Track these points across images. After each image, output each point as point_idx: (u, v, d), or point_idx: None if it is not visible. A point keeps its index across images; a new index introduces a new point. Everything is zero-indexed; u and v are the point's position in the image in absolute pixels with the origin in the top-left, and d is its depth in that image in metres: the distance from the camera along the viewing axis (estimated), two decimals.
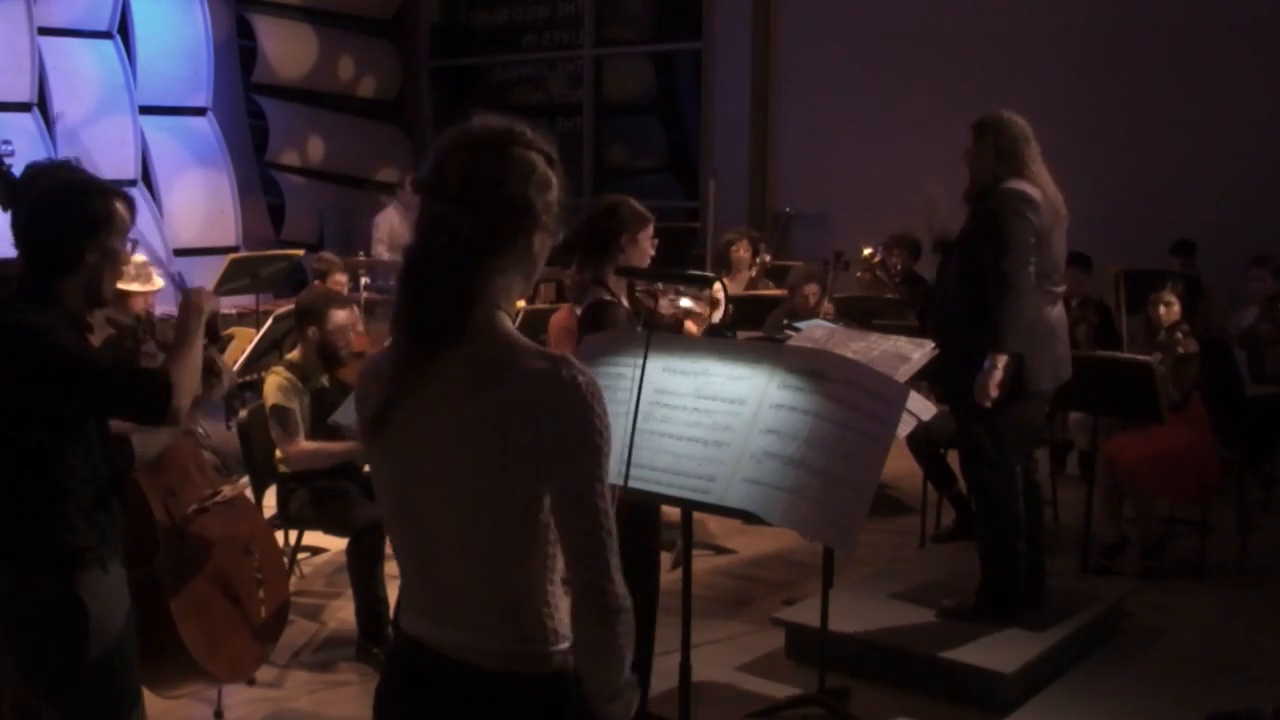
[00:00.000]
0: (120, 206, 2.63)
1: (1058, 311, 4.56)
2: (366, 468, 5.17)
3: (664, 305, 3.93)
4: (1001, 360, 4.30)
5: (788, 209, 8.74)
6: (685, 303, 3.91)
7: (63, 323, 2.53)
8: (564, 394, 1.69)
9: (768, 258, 7.92)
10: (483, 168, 1.76)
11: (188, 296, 2.76)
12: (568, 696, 1.79)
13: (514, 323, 1.84)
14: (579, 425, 1.69)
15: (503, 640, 1.77)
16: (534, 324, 6.38)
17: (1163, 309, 5.85)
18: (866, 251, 7.42)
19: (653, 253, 3.70)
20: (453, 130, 1.80)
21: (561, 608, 1.82)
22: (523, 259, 1.81)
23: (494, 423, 1.70)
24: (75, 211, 2.58)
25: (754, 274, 7.76)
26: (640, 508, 3.40)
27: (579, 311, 5.62)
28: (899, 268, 7.92)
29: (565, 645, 1.80)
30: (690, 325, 6.84)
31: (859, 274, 7.53)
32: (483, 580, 1.77)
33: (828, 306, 6.97)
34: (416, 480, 1.78)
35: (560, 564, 1.79)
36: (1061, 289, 4.60)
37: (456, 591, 1.80)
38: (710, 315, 4.07)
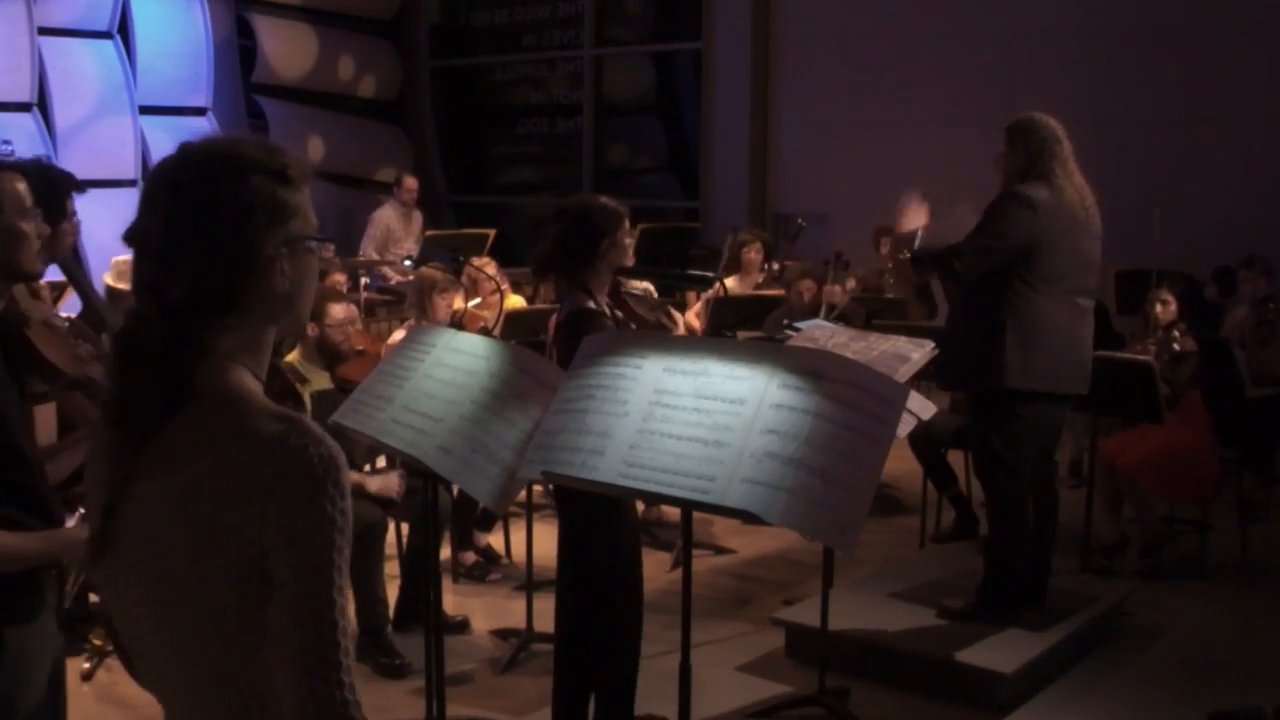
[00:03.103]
0: (9, 183, 2.52)
1: (1080, 319, 4.50)
2: (368, 466, 5.17)
3: (644, 311, 3.90)
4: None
5: (800, 220, 8.75)
6: (663, 319, 3.87)
7: None
8: (288, 469, 1.36)
9: (776, 265, 7.94)
10: (185, 216, 1.44)
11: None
12: None
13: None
14: (302, 511, 1.35)
15: None
16: (534, 324, 6.37)
17: (1159, 307, 5.85)
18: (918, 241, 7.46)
19: (631, 241, 3.60)
20: (158, 165, 1.50)
21: None
22: (265, 304, 1.48)
23: (203, 495, 1.37)
24: None
25: (762, 279, 7.78)
26: (611, 508, 3.39)
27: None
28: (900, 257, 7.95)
29: None
30: (691, 318, 6.88)
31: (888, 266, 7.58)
32: (203, 691, 1.44)
33: (832, 289, 6.98)
34: (137, 572, 1.44)
35: None
36: (1087, 297, 4.54)
37: (183, 700, 1.49)
38: (675, 329, 3.97)
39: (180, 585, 1.40)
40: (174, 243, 1.44)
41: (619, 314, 3.73)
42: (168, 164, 1.48)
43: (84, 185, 3.40)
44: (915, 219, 4.93)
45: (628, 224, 3.57)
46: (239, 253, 1.45)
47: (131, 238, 1.48)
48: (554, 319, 5.94)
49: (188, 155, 1.48)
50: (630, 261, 3.64)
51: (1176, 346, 5.61)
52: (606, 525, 3.44)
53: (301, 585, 1.35)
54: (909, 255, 4.60)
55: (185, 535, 1.39)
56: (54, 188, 3.26)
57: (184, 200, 1.45)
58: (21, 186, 2.54)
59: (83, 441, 2.82)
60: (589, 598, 3.52)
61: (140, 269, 1.47)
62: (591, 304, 3.48)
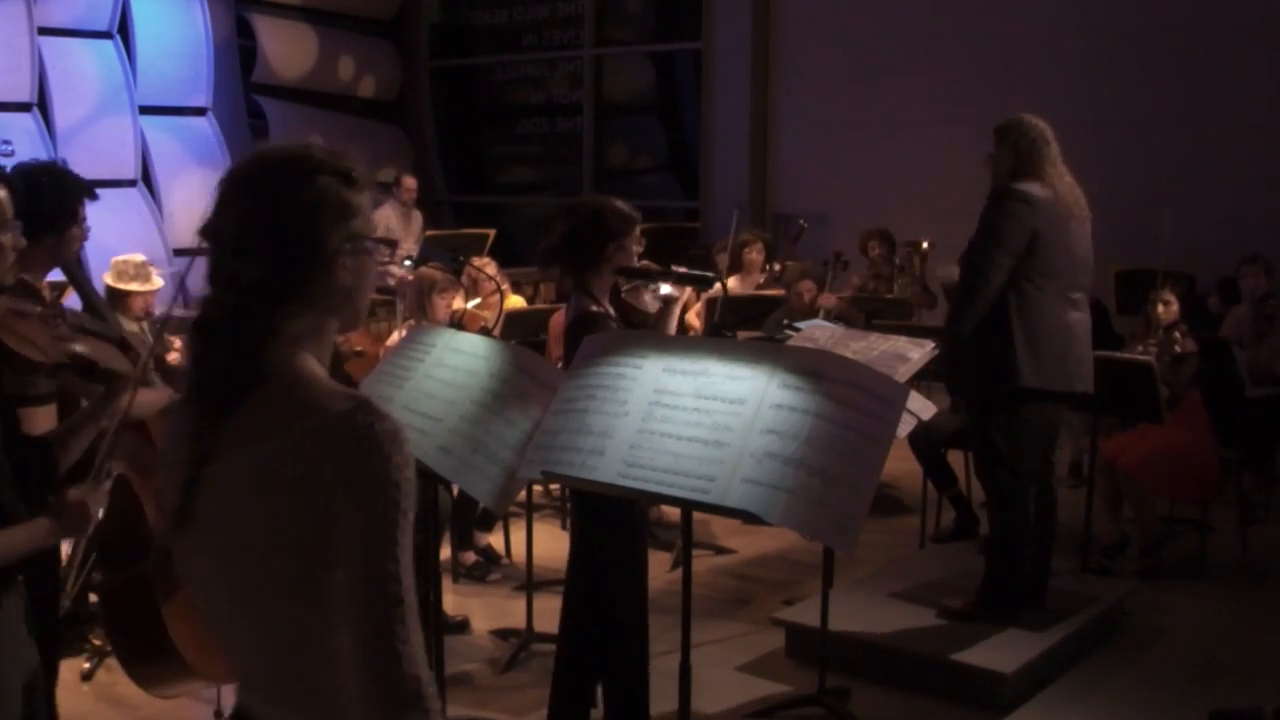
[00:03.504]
0: None
1: (1077, 316, 4.51)
2: None
3: (649, 301, 3.85)
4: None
5: (802, 222, 8.76)
6: (665, 290, 3.82)
7: None
8: (357, 442, 1.46)
9: (778, 267, 7.95)
10: (259, 211, 1.57)
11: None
12: None
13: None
14: (367, 483, 1.45)
15: (307, 716, 1.55)
16: (534, 324, 6.38)
17: (1161, 308, 5.85)
18: (924, 244, 7.50)
19: (640, 250, 3.62)
20: (233, 166, 1.63)
21: None
22: (328, 295, 1.60)
23: (275, 469, 1.48)
24: None
25: (763, 279, 7.78)
26: (627, 512, 3.40)
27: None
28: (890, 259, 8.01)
29: None
30: (691, 318, 6.87)
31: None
32: (273, 652, 1.55)
33: (829, 297, 6.99)
34: (211, 542, 1.57)
35: None
36: (1080, 293, 4.55)
37: (254, 664, 1.60)
38: (684, 296, 3.90)
39: (255, 555, 1.51)
40: (248, 233, 1.56)
41: (630, 316, 3.73)
42: (242, 164, 1.62)
43: (96, 193, 3.38)
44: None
45: (638, 231, 3.56)
46: (306, 244, 1.57)
47: (207, 233, 1.60)
48: (554, 319, 5.98)
49: (261, 156, 1.62)
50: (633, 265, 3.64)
51: (1178, 348, 5.61)
52: (622, 526, 3.45)
53: (366, 547, 1.45)
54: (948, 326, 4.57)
55: (261, 508, 1.50)
56: (67, 192, 3.24)
57: (258, 195, 1.58)
58: (2, 195, 2.51)
59: (89, 420, 2.75)
60: (598, 597, 3.53)
61: (216, 260, 1.59)
62: (595, 307, 3.48)
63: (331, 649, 1.48)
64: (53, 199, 3.14)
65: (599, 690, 3.63)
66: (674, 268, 3.70)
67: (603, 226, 3.46)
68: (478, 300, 6.61)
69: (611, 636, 3.51)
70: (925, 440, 5.72)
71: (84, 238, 3.34)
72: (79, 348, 2.83)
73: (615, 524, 3.42)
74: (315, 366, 1.60)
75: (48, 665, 3.19)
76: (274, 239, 1.57)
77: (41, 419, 3.01)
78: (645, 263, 3.73)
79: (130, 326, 4.70)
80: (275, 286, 1.56)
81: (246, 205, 1.58)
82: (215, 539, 1.55)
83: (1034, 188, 4.40)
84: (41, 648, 2.55)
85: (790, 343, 4.40)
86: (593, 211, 3.50)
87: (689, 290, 3.78)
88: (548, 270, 3.63)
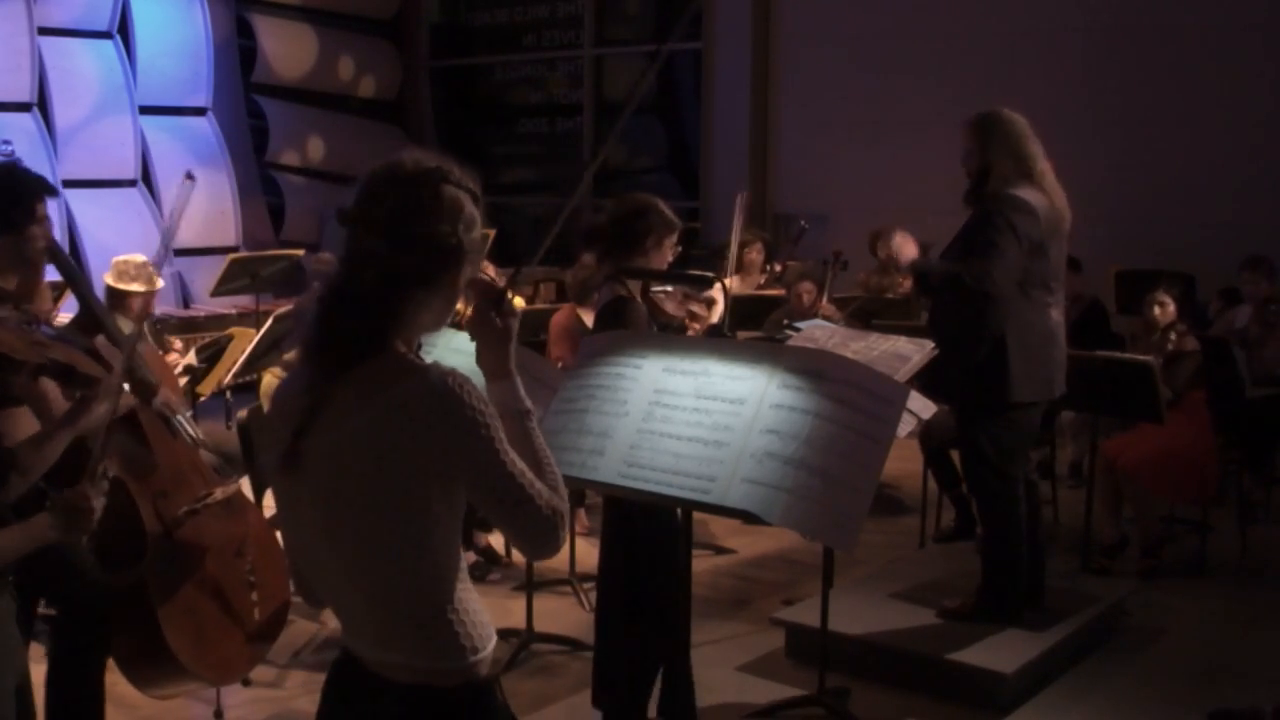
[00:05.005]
0: None
1: (1056, 317, 4.46)
2: None
3: (672, 306, 3.97)
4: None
5: (803, 222, 8.75)
6: (693, 307, 3.99)
7: None
8: (441, 390, 1.74)
9: (778, 267, 7.93)
10: (415, 205, 1.80)
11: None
12: (480, 708, 1.84)
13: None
14: (462, 423, 1.73)
15: (407, 654, 1.81)
16: (534, 324, 6.37)
17: (1157, 309, 5.85)
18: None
19: (671, 259, 3.74)
20: (383, 164, 1.85)
21: (473, 613, 1.84)
22: (447, 291, 1.85)
23: (372, 432, 1.73)
24: None
25: (764, 280, 7.77)
26: (658, 515, 3.42)
27: (580, 312, 5.66)
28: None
29: (479, 656, 1.83)
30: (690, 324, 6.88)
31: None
32: (375, 595, 1.80)
33: (828, 307, 6.99)
34: (316, 500, 1.80)
35: (464, 569, 1.84)
36: (1061, 295, 4.50)
37: (358, 607, 1.84)
38: (710, 316, 4.10)
39: (351, 500, 1.75)
40: (402, 225, 1.79)
41: (656, 316, 3.82)
42: (388, 164, 1.83)
43: (54, 189, 3.35)
44: (908, 250, 5.03)
45: (676, 236, 3.72)
46: (452, 244, 1.82)
47: (349, 218, 1.81)
48: (554, 319, 5.98)
49: (405, 159, 1.84)
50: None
51: (1172, 348, 5.60)
52: (656, 521, 3.48)
53: (481, 460, 1.74)
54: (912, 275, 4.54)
55: (363, 462, 1.73)
56: (24, 190, 3.21)
57: (416, 193, 1.80)
58: None
59: (64, 425, 2.78)
60: (636, 594, 3.57)
61: (360, 241, 1.80)
62: (625, 293, 3.59)
63: (415, 591, 1.76)
64: (7, 198, 3.12)
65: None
66: (701, 273, 3.86)
67: (645, 221, 3.63)
68: None
69: (651, 630, 3.55)
70: (928, 438, 5.71)
71: (47, 236, 3.31)
72: (57, 355, 2.85)
73: (651, 519, 3.45)
74: (406, 350, 1.83)
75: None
76: (427, 233, 1.79)
77: (25, 419, 2.99)
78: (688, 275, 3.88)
79: (127, 326, 4.70)
80: (414, 273, 1.79)
81: (404, 199, 1.79)
82: (317, 484, 1.78)
83: (1030, 194, 4.29)
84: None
85: (790, 343, 4.39)
86: (640, 205, 3.68)
87: (715, 310, 3.91)
88: (587, 248, 3.80)
